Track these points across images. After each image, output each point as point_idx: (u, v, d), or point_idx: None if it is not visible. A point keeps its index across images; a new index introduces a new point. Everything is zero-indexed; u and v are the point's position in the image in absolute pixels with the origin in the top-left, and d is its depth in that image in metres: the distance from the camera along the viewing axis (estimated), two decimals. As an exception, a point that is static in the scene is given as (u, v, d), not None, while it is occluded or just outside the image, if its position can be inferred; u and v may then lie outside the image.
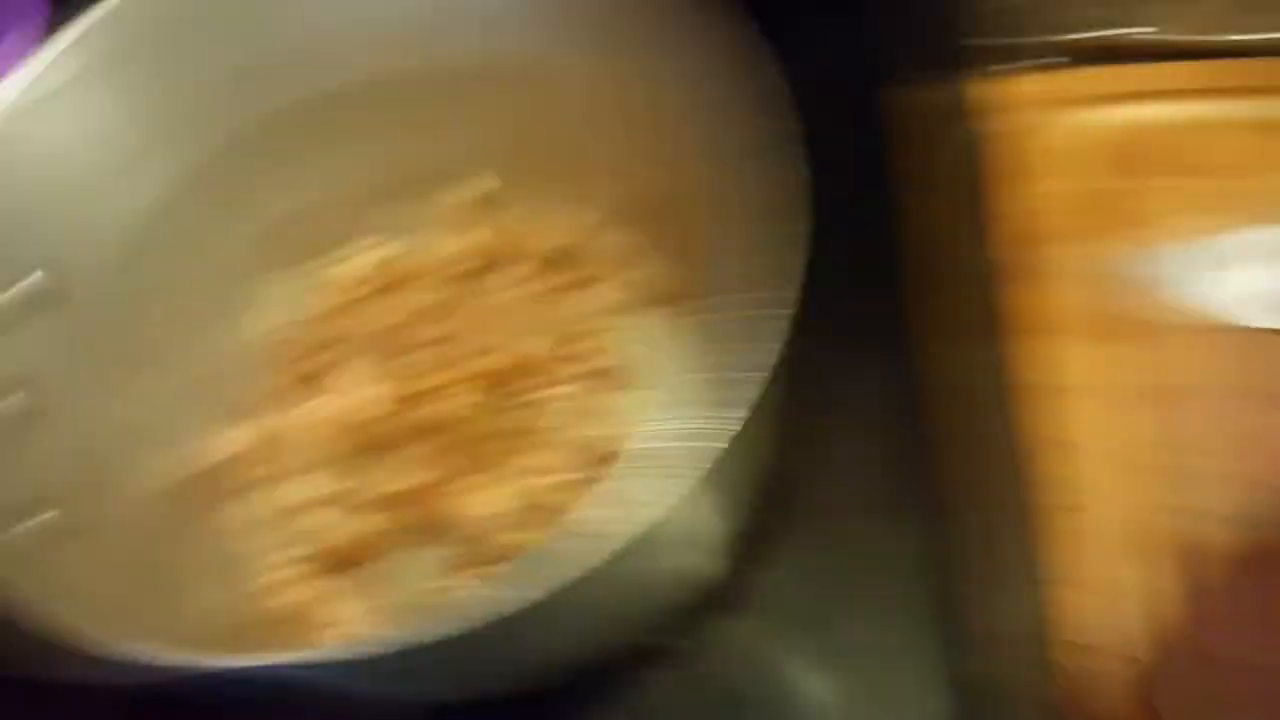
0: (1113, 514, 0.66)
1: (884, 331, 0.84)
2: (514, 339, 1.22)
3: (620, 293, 1.31)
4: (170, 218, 0.89)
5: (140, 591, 0.72)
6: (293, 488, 1.10)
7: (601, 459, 1.16)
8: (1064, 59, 0.82)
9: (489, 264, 1.35)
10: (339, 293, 1.24)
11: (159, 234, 0.88)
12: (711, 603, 0.80)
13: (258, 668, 0.51)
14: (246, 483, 1.09)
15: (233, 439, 1.12)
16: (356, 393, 1.18)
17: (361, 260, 1.26)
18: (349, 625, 1.00)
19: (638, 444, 1.12)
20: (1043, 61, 0.82)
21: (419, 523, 1.14)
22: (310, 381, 1.21)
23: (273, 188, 1.14)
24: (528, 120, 1.21)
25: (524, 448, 1.16)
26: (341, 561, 1.05)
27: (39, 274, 0.76)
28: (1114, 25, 0.80)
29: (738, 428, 0.63)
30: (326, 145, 1.12)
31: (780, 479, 0.79)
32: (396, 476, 1.11)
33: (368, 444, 1.16)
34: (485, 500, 1.09)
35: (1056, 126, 0.80)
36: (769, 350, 0.63)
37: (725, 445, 0.62)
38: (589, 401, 1.16)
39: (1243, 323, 0.70)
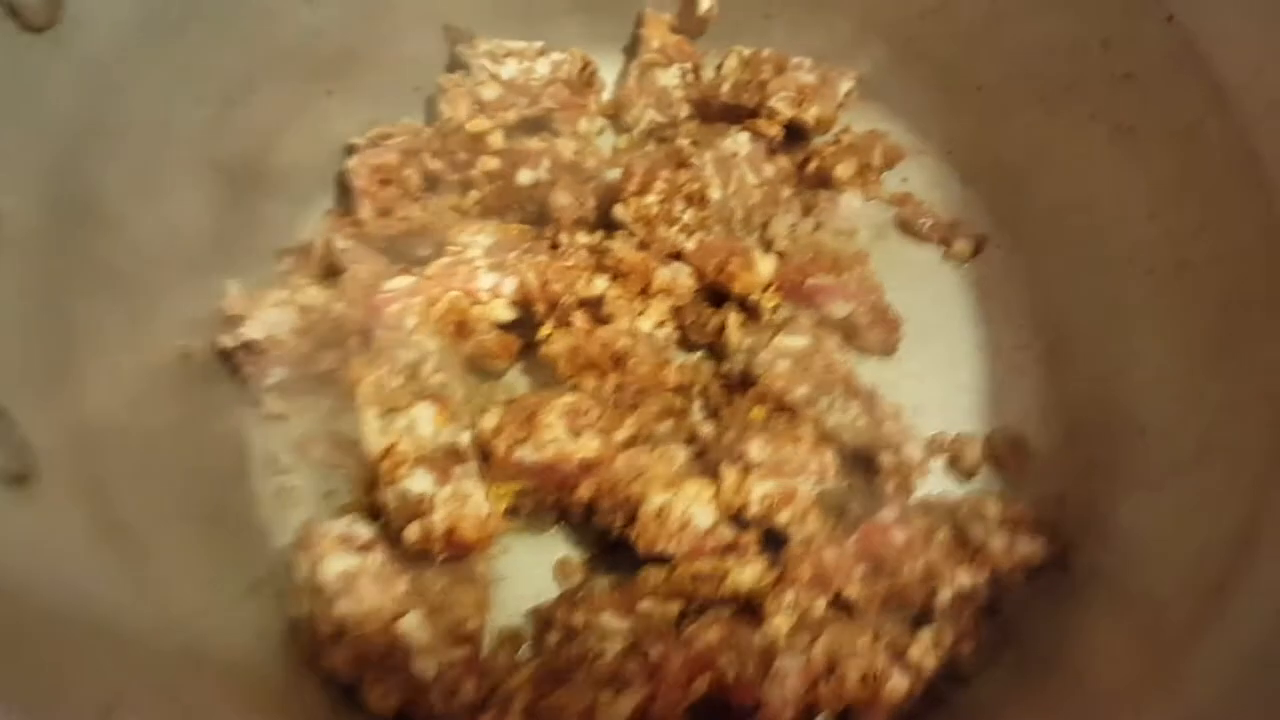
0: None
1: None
2: (725, 248, 0.80)
3: (880, 208, 0.89)
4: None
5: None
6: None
7: (850, 464, 0.75)
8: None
9: (696, 118, 0.91)
10: (471, 107, 0.80)
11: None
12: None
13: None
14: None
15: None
16: (474, 273, 0.75)
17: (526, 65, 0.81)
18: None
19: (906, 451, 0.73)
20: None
21: (546, 505, 0.73)
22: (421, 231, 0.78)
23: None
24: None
25: (734, 423, 0.74)
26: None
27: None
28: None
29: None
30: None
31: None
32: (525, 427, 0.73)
33: (482, 355, 0.74)
34: (673, 503, 0.69)
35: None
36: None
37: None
38: (830, 364, 0.74)
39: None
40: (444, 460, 0.69)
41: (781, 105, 0.85)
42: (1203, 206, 0.68)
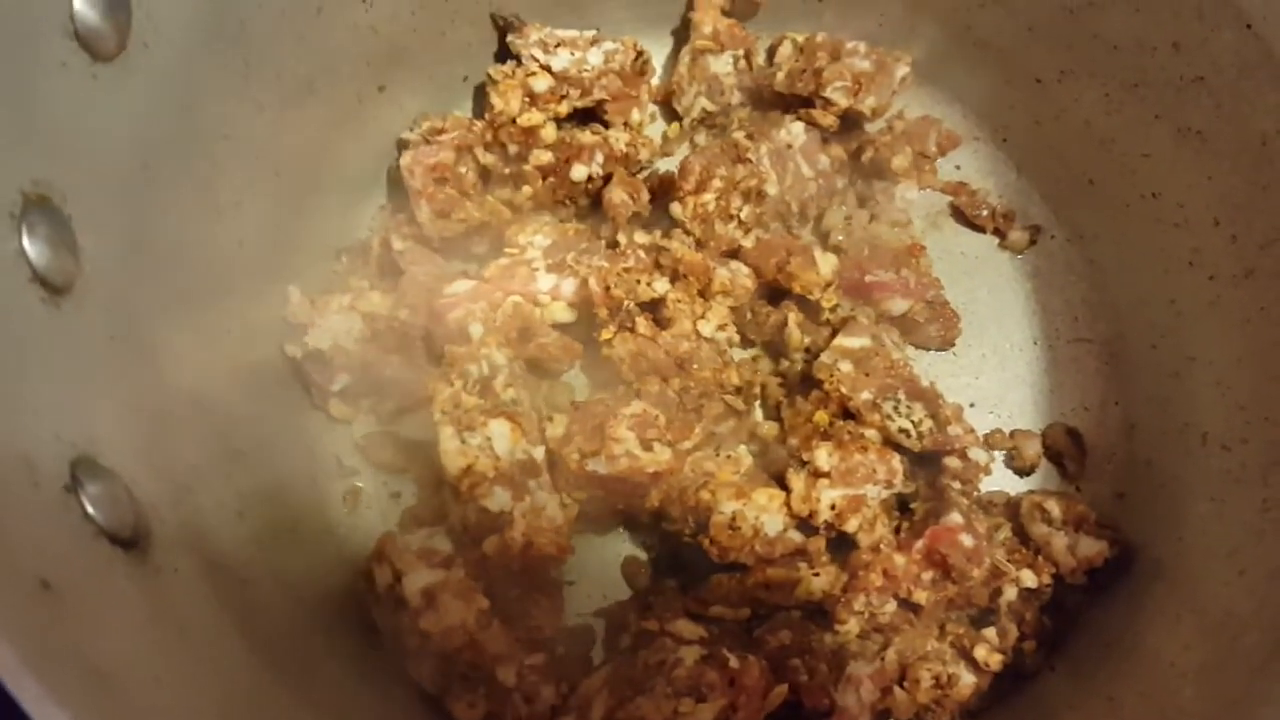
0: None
1: None
2: (783, 245, 0.80)
3: (934, 196, 0.89)
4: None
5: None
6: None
7: (914, 466, 0.76)
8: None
9: (748, 105, 0.90)
10: (522, 100, 0.79)
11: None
12: None
13: None
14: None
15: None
16: (533, 274, 0.75)
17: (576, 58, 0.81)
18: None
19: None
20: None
21: (614, 510, 0.74)
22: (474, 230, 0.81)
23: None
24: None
25: (798, 427, 0.75)
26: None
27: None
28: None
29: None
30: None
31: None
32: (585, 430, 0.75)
33: (543, 359, 0.75)
34: (743, 512, 0.70)
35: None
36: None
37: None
38: (892, 365, 0.75)
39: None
40: (519, 475, 0.70)
41: (837, 95, 0.84)
42: (1274, 219, 0.68)
